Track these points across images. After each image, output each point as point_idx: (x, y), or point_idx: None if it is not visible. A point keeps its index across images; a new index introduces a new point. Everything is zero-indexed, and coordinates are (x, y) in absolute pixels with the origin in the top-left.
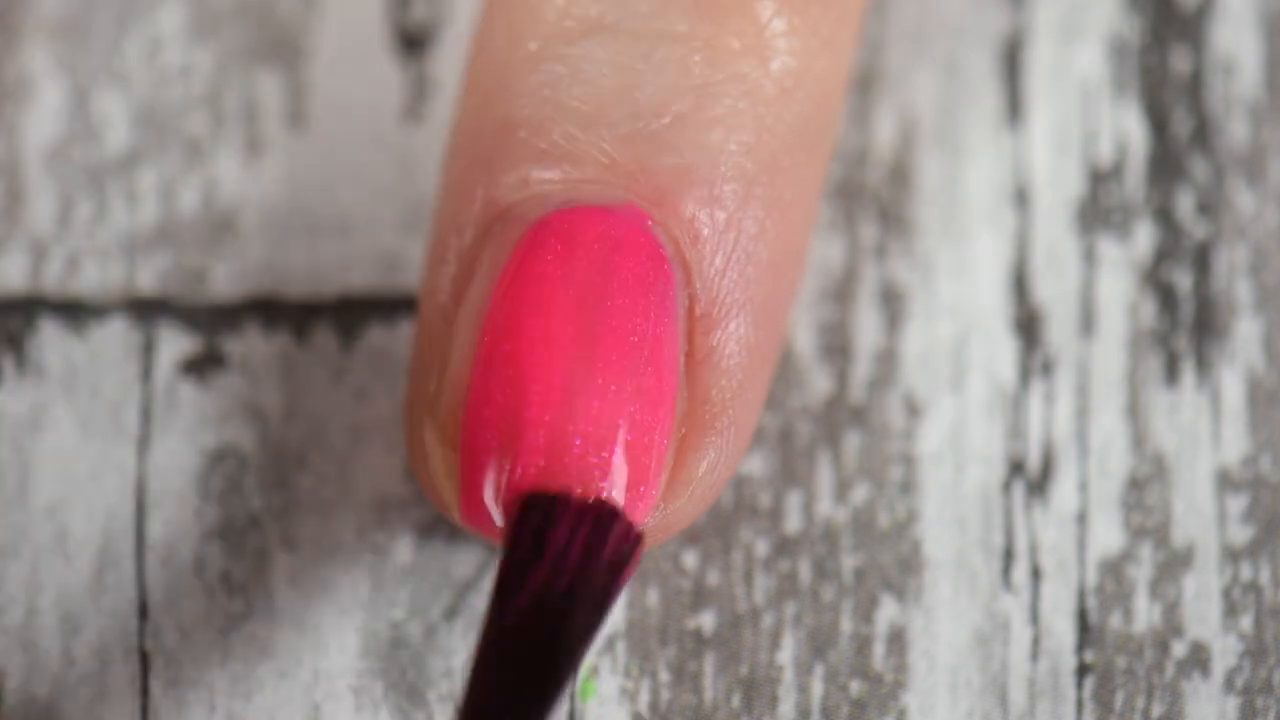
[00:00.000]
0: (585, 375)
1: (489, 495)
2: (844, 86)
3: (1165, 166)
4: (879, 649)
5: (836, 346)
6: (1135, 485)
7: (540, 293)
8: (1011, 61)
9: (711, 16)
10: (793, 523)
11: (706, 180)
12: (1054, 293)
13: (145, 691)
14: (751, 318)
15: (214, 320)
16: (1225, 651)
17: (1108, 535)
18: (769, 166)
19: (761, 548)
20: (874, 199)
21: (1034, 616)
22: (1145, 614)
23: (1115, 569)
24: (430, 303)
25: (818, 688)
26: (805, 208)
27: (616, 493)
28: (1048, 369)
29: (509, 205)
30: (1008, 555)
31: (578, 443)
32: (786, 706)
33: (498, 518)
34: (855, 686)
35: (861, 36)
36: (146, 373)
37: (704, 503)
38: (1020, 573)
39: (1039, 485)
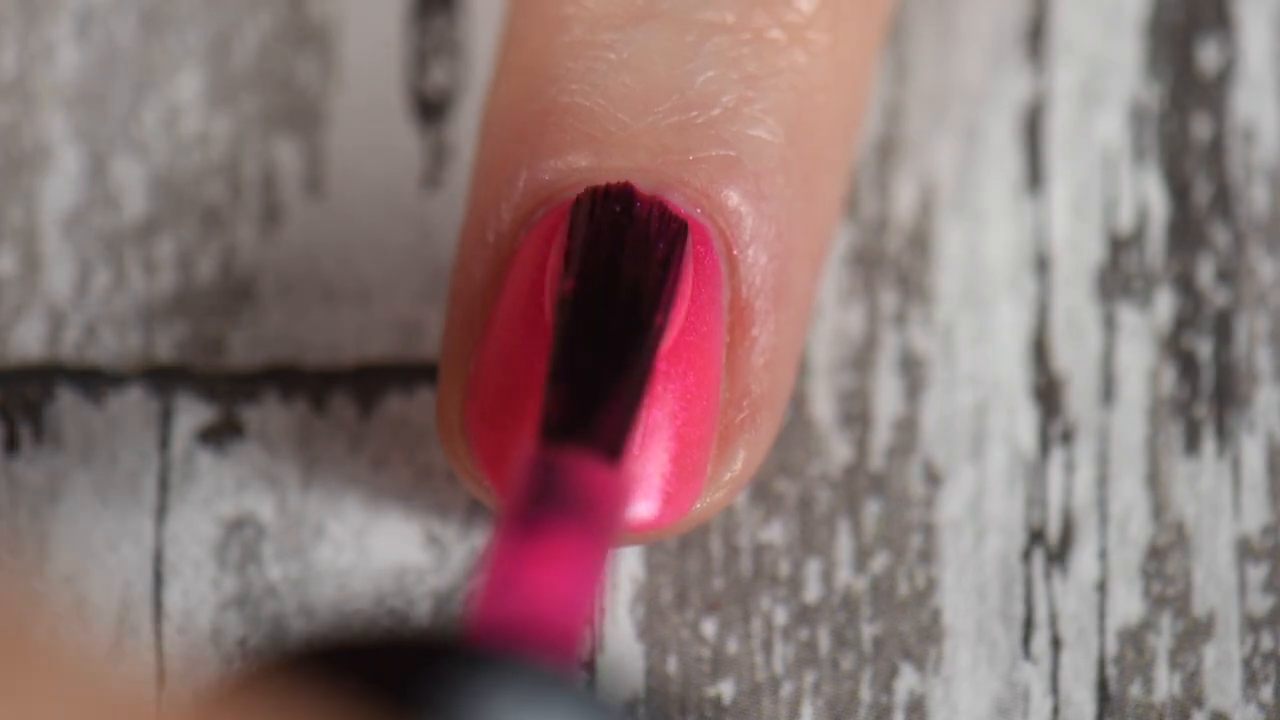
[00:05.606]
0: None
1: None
2: (872, 78)
3: (1186, 233)
4: (899, 718)
5: (856, 414)
6: (1155, 554)
7: None
8: (1032, 128)
9: (758, 8)
10: (812, 591)
11: (753, 173)
12: (1074, 360)
13: None
14: (788, 311)
15: (232, 389)
16: None
17: (1128, 604)
18: (810, 159)
19: (781, 616)
20: (893, 266)
21: (1054, 686)
22: (1165, 684)
23: (1135, 638)
24: (465, 286)
25: None
26: (839, 198)
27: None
28: (1068, 437)
29: (555, 190)
30: (1028, 624)
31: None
32: None
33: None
34: None
35: (888, 30)
36: (164, 441)
37: (733, 495)
38: (1040, 642)
39: (1059, 554)
